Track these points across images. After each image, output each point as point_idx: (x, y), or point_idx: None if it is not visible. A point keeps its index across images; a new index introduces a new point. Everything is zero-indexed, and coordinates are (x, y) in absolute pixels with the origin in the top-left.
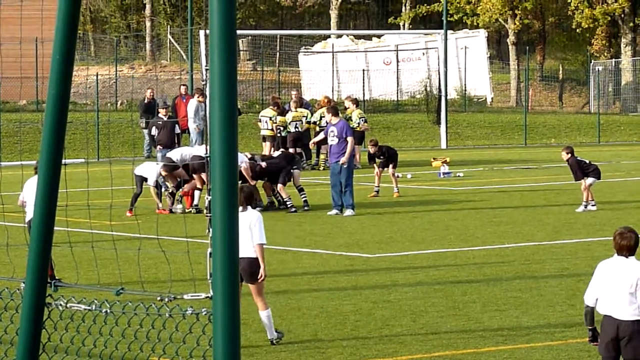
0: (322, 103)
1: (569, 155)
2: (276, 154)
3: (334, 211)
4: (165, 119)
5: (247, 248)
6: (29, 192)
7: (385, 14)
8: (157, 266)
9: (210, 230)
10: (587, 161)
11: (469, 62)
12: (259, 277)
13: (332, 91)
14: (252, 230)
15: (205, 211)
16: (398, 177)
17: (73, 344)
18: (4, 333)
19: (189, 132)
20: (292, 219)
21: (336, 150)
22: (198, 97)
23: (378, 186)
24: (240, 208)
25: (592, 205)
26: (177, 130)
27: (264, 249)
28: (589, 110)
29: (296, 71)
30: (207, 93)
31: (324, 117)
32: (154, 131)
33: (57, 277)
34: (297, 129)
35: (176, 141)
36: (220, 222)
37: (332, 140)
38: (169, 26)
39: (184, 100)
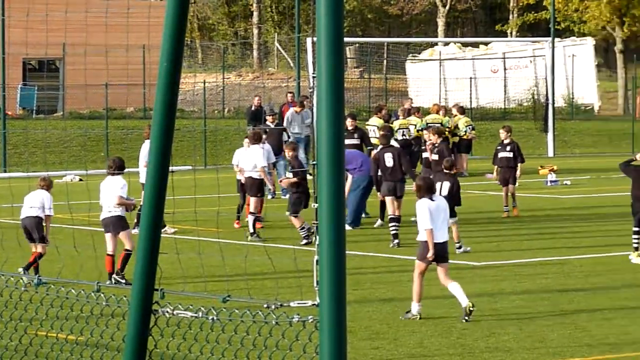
0: (432, 111)
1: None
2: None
3: None
4: (272, 126)
5: (443, 234)
6: (103, 193)
7: (493, 22)
8: (263, 273)
9: (317, 237)
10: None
11: (576, 70)
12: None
13: (439, 99)
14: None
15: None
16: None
17: (179, 351)
18: (110, 340)
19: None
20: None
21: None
22: (295, 107)
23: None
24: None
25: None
26: (285, 137)
27: None
28: None
29: (403, 79)
30: (314, 100)
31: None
32: None
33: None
34: (404, 137)
35: (284, 149)
36: (327, 230)
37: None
38: (276, 34)
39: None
